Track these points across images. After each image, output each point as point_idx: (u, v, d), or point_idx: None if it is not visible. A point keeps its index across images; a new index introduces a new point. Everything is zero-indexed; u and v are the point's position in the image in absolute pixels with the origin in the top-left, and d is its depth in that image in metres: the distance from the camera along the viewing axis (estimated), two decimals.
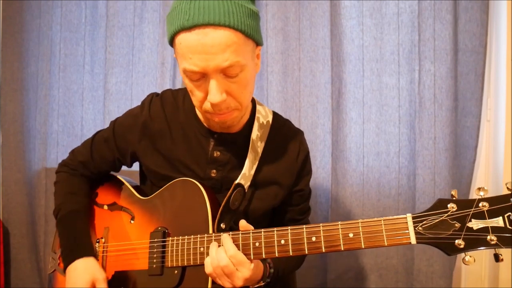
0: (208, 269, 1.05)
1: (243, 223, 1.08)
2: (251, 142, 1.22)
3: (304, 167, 1.32)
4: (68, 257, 1.25)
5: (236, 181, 1.16)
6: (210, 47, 0.97)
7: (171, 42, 1.06)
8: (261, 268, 1.12)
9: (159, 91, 1.33)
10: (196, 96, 1.07)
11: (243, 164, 1.23)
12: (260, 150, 1.24)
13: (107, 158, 1.36)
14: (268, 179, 1.26)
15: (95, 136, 1.39)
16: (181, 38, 0.99)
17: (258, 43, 1.09)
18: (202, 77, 1.02)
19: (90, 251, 1.27)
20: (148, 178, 1.33)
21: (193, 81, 1.04)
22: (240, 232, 1.07)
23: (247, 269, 1.04)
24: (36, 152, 2.23)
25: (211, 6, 0.97)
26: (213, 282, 1.09)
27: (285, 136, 1.31)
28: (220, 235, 1.09)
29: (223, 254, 1.04)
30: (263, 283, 1.13)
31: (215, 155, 1.23)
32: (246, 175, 1.19)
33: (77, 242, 1.28)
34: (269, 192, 1.27)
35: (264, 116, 1.28)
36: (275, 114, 1.34)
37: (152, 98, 1.30)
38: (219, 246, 1.07)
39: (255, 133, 1.23)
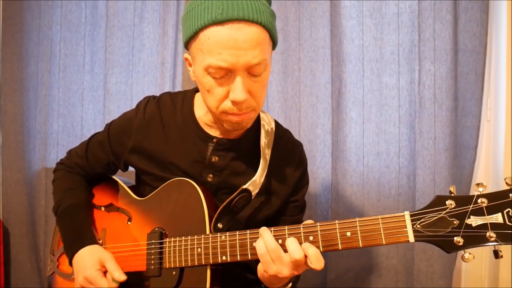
0: (261, 250, 1.00)
1: None
2: (261, 149, 1.21)
3: (301, 179, 1.32)
4: (72, 248, 1.24)
5: (244, 186, 1.15)
6: (242, 43, 0.97)
7: (192, 38, 1.03)
8: None
9: (159, 91, 1.32)
10: (215, 95, 1.05)
11: (244, 171, 1.23)
12: (268, 157, 1.23)
13: (102, 161, 1.35)
14: (269, 188, 1.26)
15: (91, 139, 1.39)
16: (210, 33, 0.98)
17: (275, 46, 1.10)
18: (226, 74, 1.01)
19: (94, 241, 1.26)
20: (144, 179, 1.33)
21: (216, 78, 1.02)
22: (238, 232, 1.07)
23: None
24: (36, 152, 2.22)
25: (244, 3, 0.98)
26: (212, 283, 1.08)
27: (285, 146, 1.31)
28: (216, 235, 1.08)
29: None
30: (291, 285, 1.11)
31: (213, 160, 1.22)
32: (256, 182, 1.17)
33: (80, 233, 1.27)
34: (266, 201, 1.26)
35: (268, 123, 1.27)
36: (276, 122, 1.33)
37: (149, 101, 1.29)
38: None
39: (263, 139, 1.22)
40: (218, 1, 0.97)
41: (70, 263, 1.24)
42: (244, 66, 0.99)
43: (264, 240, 1.00)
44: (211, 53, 0.99)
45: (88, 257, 1.20)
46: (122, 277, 1.15)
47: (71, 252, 1.24)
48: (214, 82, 1.03)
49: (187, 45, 1.08)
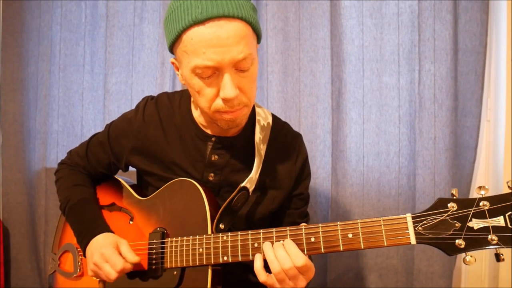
0: (276, 269, 1.00)
1: None
2: (256, 145, 1.21)
3: (302, 171, 1.32)
4: (87, 236, 1.22)
5: (242, 184, 1.15)
6: (225, 39, 0.96)
7: (176, 41, 1.03)
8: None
9: (159, 91, 1.32)
10: (205, 96, 1.05)
11: (243, 168, 1.23)
12: (263, 152, 1.23)
13: (102, 161, 1.35)
14: (268, 182, 1.26)
15: (91, 139, 1.39)
16: (193, 33, 0.97)
17: (259, 39, 1.10)
18: (213, 73, 1.01)
19: (108, 229, 1.24)
20: (146, 180, 1.33)
21: (204, 78, 1.02)
22: (239, 233, 1.07)
23: (312, 272, 1.02)
24: (36, 152, 2.22)
25: (222, 0, 0.97)
26: (213, 284, 1.08)
27: (284, 139, 1.30)
28: (218, 235, 1.08)
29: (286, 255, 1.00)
30: None
31: (213, 158, 1.22)
32: (252, 179, 1.17)
33: (94, 223, 1.26)
34: (267, 196, 1.26)
35: (264, 118, 1.27)
36: (274, 116, 1.33)
37: (147, 101, 1.29)
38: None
39: (257, 135, 1.22)
40: (197, 1, 0.97)
41: (84, 252, 1.22)
42: (231, 62, 0.99)
43: (278, 259, 1.00)
44: (196, 53, 0.98)
45: (104, 240, 1.18)
46: (136, 259, 1.14)
47: (86, 240, 1.22)
48: (202, 83, 1.03)
49: (171, 49, 1.07)
